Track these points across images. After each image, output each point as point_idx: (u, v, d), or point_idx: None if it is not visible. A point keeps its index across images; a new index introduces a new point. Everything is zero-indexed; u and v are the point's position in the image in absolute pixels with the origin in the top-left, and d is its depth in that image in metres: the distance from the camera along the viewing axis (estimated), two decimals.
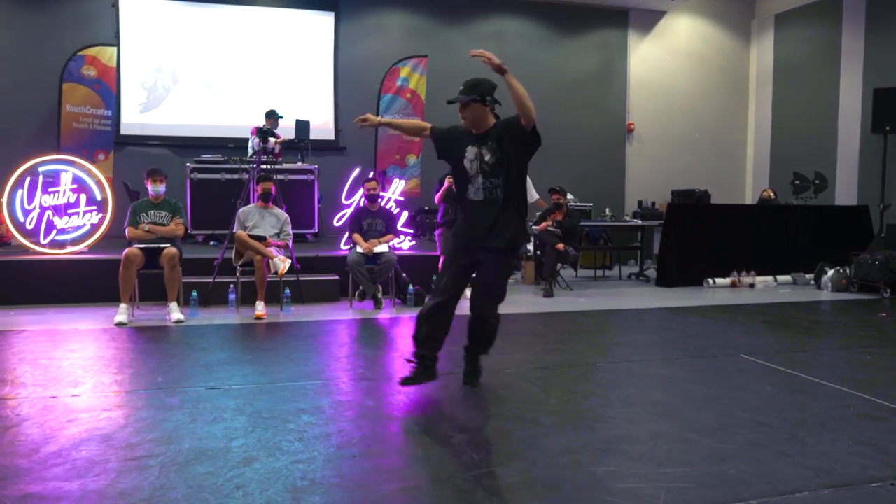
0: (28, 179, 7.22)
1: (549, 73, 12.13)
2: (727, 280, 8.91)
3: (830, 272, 8.65)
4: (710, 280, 8.90)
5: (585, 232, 9.88)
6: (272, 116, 9.05)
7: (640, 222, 9.94)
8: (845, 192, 11.27)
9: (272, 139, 8.21)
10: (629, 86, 12.76)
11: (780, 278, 9.21)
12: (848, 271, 8.59)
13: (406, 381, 3.97)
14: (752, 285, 8.91)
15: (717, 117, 13.24)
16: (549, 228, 8.37)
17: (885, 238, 9.06)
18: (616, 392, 4.08)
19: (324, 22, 11.24)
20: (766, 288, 8.90)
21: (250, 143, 9.08)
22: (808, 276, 9.17)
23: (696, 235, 9.09)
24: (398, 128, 4.95)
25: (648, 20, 12.80)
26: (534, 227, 8.82)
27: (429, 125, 4.33)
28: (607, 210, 10.29)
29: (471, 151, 3.98)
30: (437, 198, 7.75)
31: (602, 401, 3.91)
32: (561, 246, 8.10)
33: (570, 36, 12.42)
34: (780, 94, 12.74)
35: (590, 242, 10.16)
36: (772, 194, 10.69)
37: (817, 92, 11.86)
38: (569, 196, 9.06)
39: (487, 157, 3.94)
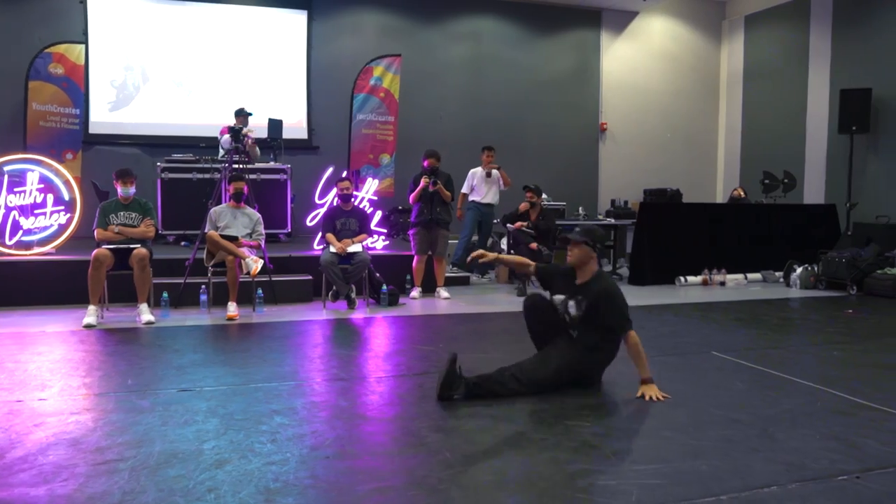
0: None
1: (525, 72, 12.18)
2: (699, 278, 9.01)
3: (799, 270, 8.79)
4: (682, 278, 8.99)
5: (559, 231, 9.91)
6: (242, 114, 8.96)
7: (613, 221, 10.01)
8: (813, 191, 11.46)
9: (249, 133, 8.11)
10: (603, 85, 12.85)
11: (751, 276, 9.34)
12: (816, 269, 8.73)
13: None
14: (723, 283, 9.02)
15: (689, 117, 13.39)
16: (524, 228, 8.39)
17: (852, 236, 9.22)
18: (591, 390, 4.10)
19: (297, 20, 11.17)
20: (736, 286, 9.02)
21: (220, 143, 8.99)
22: (777, 273, 9.31)
23: (669, 234, 9.18)
24: (507, 263, 5.24)
25: (621, 20, 12.90)
26: (508, 226, 8.83)
27: (533, 264, 4.57)
28: (581, 209, 10.36)
29: (558, 298, 4.25)
30: (411, 198, 7.73)
31: (577, 399, 3.92)
32: (534, 245, 8.13)
33: (544, 36, 12.47)
34: (750, 94, 12.91)
35: (564, 241, 10.19)
36: (742, 193, 10.83)
37: (786, 93, 12.04)
38: (543, 196, 9.08)
39: (573, 311, 4.13)
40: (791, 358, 4.98)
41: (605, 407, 3.78)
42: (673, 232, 9.22)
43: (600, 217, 10.70)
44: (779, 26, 12.31)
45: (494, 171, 9.05)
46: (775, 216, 9.93)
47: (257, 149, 8.93)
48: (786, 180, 10.62)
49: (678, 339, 5.62)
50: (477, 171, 8.93)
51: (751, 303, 7.61)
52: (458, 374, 3.87)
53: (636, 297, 7.88)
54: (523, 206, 8.62)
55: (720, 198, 13.26)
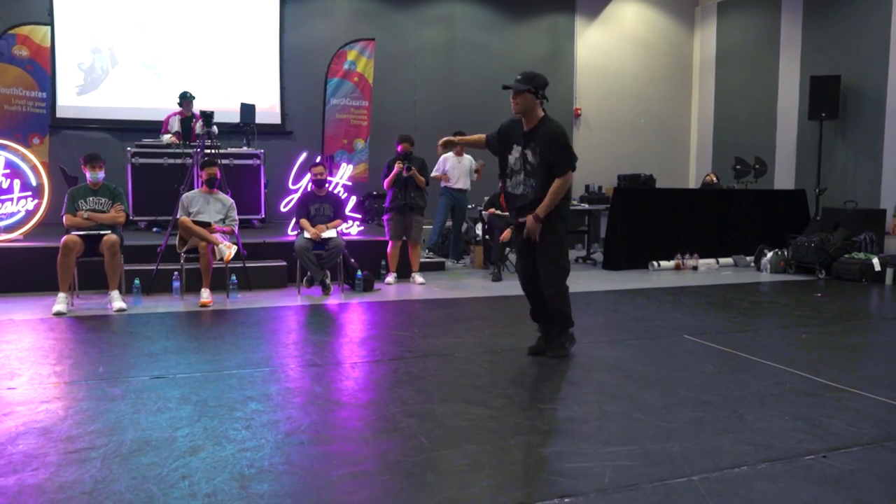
0: None
1: (498, 57, 12.14)
2: (671, 263, 9.11)
3: (769, 254, 8.92)
4: (655, 263, 9.08)
5: None
6: (188, 98, 8.88)
7: (587, 206, 10.06)
8: (784, 176, 11.62)
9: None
10: (577, 71, 12.87)
11: (722, 261, 9.47)
12: (786, 253, 8.87)
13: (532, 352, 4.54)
14: (695, 268, 9.13)
15: (663, 103, 13.47)
16: (498, 213, 8.40)
17: (821, 221, 9.37)
18: (564, 374, 4.14)
19: (269, 3, 11.02)
20: (708, 270, 9.14)
21: (168, 128, 8.94)
22: (748, 258, 9.44)
23: (642, 219, 9.26)
24: (465, 143, 5.39)
25: (595, 5, 12.91)
26: (482, 211, 8.85)
27: (484, 137, 4.82)
28: None
29: (516, 150, 4.43)
30: (385, 183, 7.70)
31: (550, 383, 3.96)
32: (508, 231, 8.14)
33: (518, 21, 12.44)
34: (722, 80, 13.02)
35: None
36: (714, 179, 10.95)
37: (758, 79, 12.16)
38: None
39: (531, 159, 4.34)
40: (760, 341, 5.07)
41: (578, 390, 3.82)
42: (646, 217, 9.30)
43: (574, 202, 10.73)
44: (751, 13, 12.40)
45: (467, 157, 9.08)
46: (746, 201, 10.06)
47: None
48: (757, 166, 10.75)
49: (650, 322, 5.69)
50: (448, 157, 8.93)
51: (722, 287, 7.71)
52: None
53: (609, 281, 7.96)
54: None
55: (693, 183, 13.39)
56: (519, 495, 2.52)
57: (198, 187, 6.91)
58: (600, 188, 11.31)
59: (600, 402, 3.62)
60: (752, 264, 9.31)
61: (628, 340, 5.02)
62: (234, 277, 6.66)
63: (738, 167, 10.83)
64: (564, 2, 12.71)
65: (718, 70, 13.08)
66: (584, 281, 7.99)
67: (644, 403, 3.57)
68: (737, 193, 10.31)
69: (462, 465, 2.78)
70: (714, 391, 3.79)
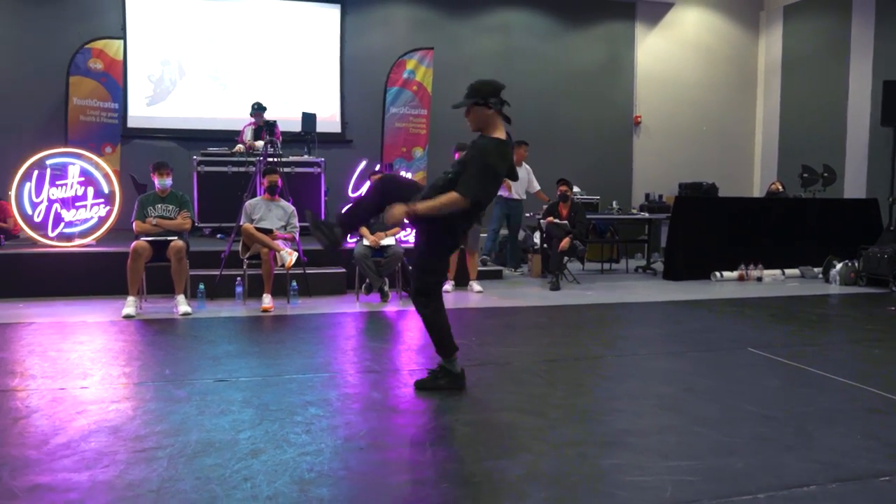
0: (36, 172, 7.24)
1: (555, 65, 12.11)
2: (735, 273, 8.88)
3: (839, 266, 8.62)
4: (718, 273, 8.87)
5: (593, 225, 9.88)
6: (261, 110, 9.12)
7: (647, 215, 9.92)
8: (854, 185, 11.22)
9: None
10: (636, 78, 12.71)
11: (788, 272, 9.18)
12: (856, 265, 8.56)
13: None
14: (759, 279, 8.89)
15: (725, 109, 13.19)
16: (557, 221, 8.35)
17: (895, 231, 9.01)
18: (622, 385, 4.08)
19: (330, 14, 11.23)
20: (773, 281, 8.88)
21: (242, 138, 9.17)
22: (816, 269, 9.14)
23: (704, 228, 9.07)
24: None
25: (656, 12, 12.74)
26: (540, 220, 8.80)
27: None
28: (614, 203, 10.27)
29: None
30: None
31: (608, 394, 3.91)
32: (567, 240, 8.08)
33: (575, 28, 12.37)
34: (788, 86, 12.67)
35: (597, 235, 10.15)
36: (780, 187, 10.65)
37: (826, 84, 11.79)
38: (575, 189, 9.04)
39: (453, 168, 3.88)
40: (829, 355, 4.90)
41: (636, 403, 3.76)
42: (708, 226, 9.10)
43: (634, 211, 10.60)
44: (819, 17, 12.05)
45: (525, 166, 9.07)
46: (814, 211, 9.74)
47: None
48: (825, 174, 10.40)
49: (711, 334, 5.56)
50: None
51: (788, 299, 7.49)
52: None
53: (670, 292, 7.82)
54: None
55: (757, 192, 13.06)
56: None
57: (260, 195, 7.07)
58: (660, 197, 11.14)
59: (659, 414, 3.56)
60: (820, 276, 9.00)
61: (688, 352, 4.92)
62: (294, 284, 6.78)
63: (805, 175, 10.50)
64: (624, 8, 12.59)
65: (784, 75, 12.73)
66: (643, 291, 7.88)
67: (704, 417, 3.49)
68: (804, 202, 10.00)
69: (519, 475, 2.76)
70: (779, 406, 3.68)
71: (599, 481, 2.72)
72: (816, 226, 9.61)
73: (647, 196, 11.25)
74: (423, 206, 3.68)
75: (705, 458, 2.95)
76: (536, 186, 9.30)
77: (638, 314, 6.60)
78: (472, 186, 3.64)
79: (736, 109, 13.28)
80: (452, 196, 3.63)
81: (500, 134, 3.85)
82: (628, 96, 12.70)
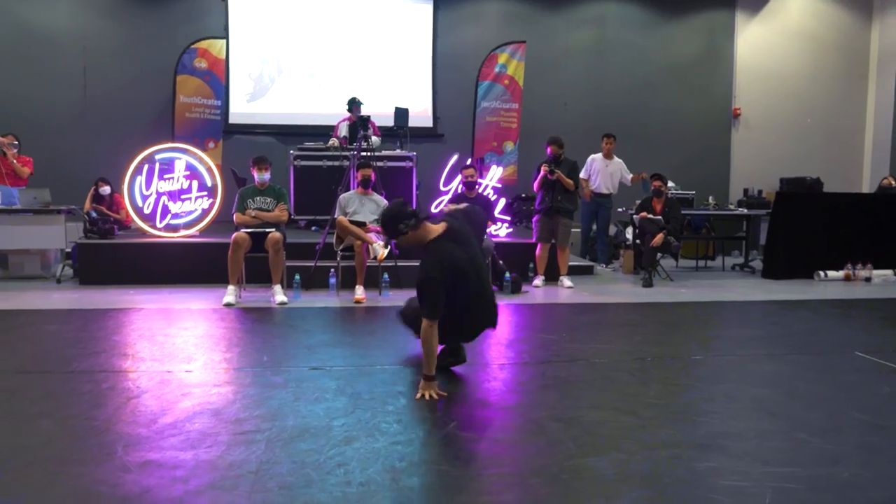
0: (146, 167, 7.65)
1: (651, 57, 11.80)
2: (840, 273, 8.43)
3: None
4: (822, 273, 8.45)
5: (688, 221, 9.60)
6: (356, 104, 9.27)
7: (745, 211, 9.55)
8: None
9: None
10: (736, 69, 12.23)
11: None
12: None
13: None
14: (868, 279, 8.41)
15: (832, 101, 12.50)
16: (650, 217, 8.16)
17: None
18: (718, 386, 3.95)
19: (423, 10, 11.33)
20: (884, 282, 8.38)
21: (342, 133, 9.34)
22: None
23: (807, 225, 8.65)
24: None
25: (758, 0, 12.22)
26: (633, 215, 8.63)
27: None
28: (710, 198, 9.93)
29: None
30: (535, 185, 7.70)
31: (703, 395, 3.80)
32: (660, 236, 7.88)
33: (673, 19, 12.01)
34: None
35: (692, 232, 9.86)
36: (892, 182, 10.04)
37: None
38: (669, 184, 8.81)
39: None
40: None
41: (733, 405, 3.63)
42: (812, 223, 8.67)
43: (731, 206, 10.23)
44: None
45: (617, 160, 8.95)
46: None
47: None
48: None
49: (815, 336, 5.31)
50: (597, 158, 8.81)
51: None
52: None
53: (769, 291, 7.51)
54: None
55: (866, 187, 12.34)
56: None
57: (354, 188, 7.23)
58: (760, 192, 10.69)
59: (758, 418, 3.43)
60: None
61: (789, 355, 4.71)
62: (386, 276, 6.90)
63: None
64: None
65: None
66: (741, 290, 7.60)
67: (807, 423, 3.33)
68: None
69: (610, 474, 2.73)
70: (891, 415, 3.47)
71: (694, 485, 2.65)
72: None
73: (746, 191, 10.81)
74: (428, 370, 3.67)
75: (808, 466, 2.82)
76: (629, 177, 9.15)
77: (735, 314, 6.37)
78: (427, 309, 3.65)
79: (844, 101, 12.57)
80: (426, 331, 3.65)
81: (434, 232, 3.83)
82: (727, 88, 12.23)
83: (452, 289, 3.67)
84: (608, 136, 9.15)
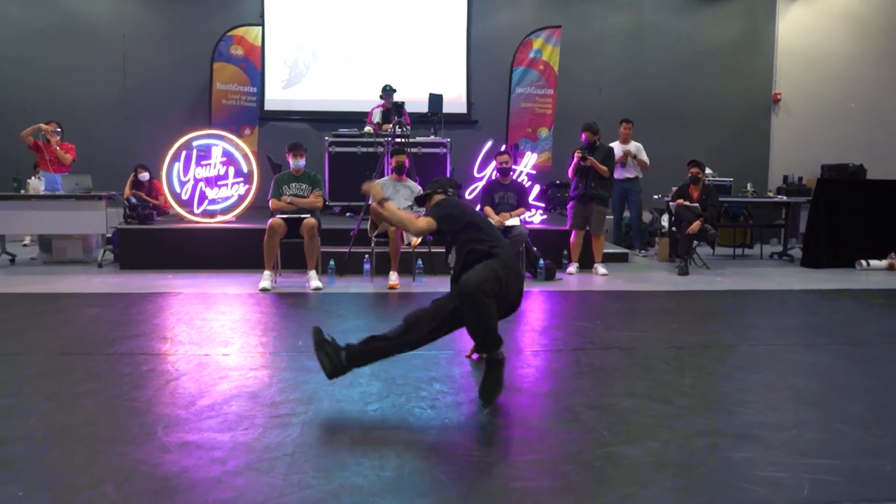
0: (184, 153, 7.76)
1: (688, 40, 11.62)
2: (883, 262, 8.24)
3: None
4: (864, 262, 8.26)
5: (725, 208, 9.44)
6: (389, 91, 9.27)
7: (784, 198, 9.37)
8: None
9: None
10: (777, 53, 11.97)
11: None
12: None
13: None
14: None
15: (876, 85, 12.17)
16: (687, 204, 8.05)
17: None
18: (755, 376, 3.90)
19: None
20: None
21: (375, 119, 9.36)
22: None
23: (849, 213, 8.45)
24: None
25: None
26: (669, 202, 8.52)
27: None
28: (749, 185, 9.76)
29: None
30: (569, 172, 7.64)
31: (740, 384, 3.75)
32: (697, 223, 7.77)
33: (710, 1, 11.78)
34: None
35: (729, 219, 9.70)
36: None
37: None
38: (707, 170, 8.67)
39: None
40: None
41: (771, 395, 3.58)
42: (854, 211, 8.47)
43: (770, 193, 10.04)
44: None
45: (634, 144, 8.89)
46: None
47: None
48: None
49: (856, 327, 5.20)
50: (614, 145, 8.73)
51: None
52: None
53: (809, 280, 7.37)
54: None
55: None
56: (704, 500, 2.42)
57: (388, 175, 7.25)
58: (800, 179, 10.47)
59: (796, 408, 3.38)
60: None
61: (830, 345, 4.63)
62: (419, 262, 6.92)
63: None
64: None
65: None
66: (779, 279, 7.47)
67: (848, 414, 3.27)
68: None
69: (644, 462, 2.71)
70: None
71: (730, 474, 2.62)
72: None
73: (786, 178, 10.60)
74: (389, 213, 3.89)
75: (848, 458, 2.77)
76: (644, 158, 9.09)
77: (773, 302, 6.27)
78: (433, 213, 3.87)
79: (889, 85, 12.22)
80: (413, 220, 3.89)
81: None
82: (767, 72, 11.99)
83: (466, 225, 3.82)
84: (626, 122, 9.09)
